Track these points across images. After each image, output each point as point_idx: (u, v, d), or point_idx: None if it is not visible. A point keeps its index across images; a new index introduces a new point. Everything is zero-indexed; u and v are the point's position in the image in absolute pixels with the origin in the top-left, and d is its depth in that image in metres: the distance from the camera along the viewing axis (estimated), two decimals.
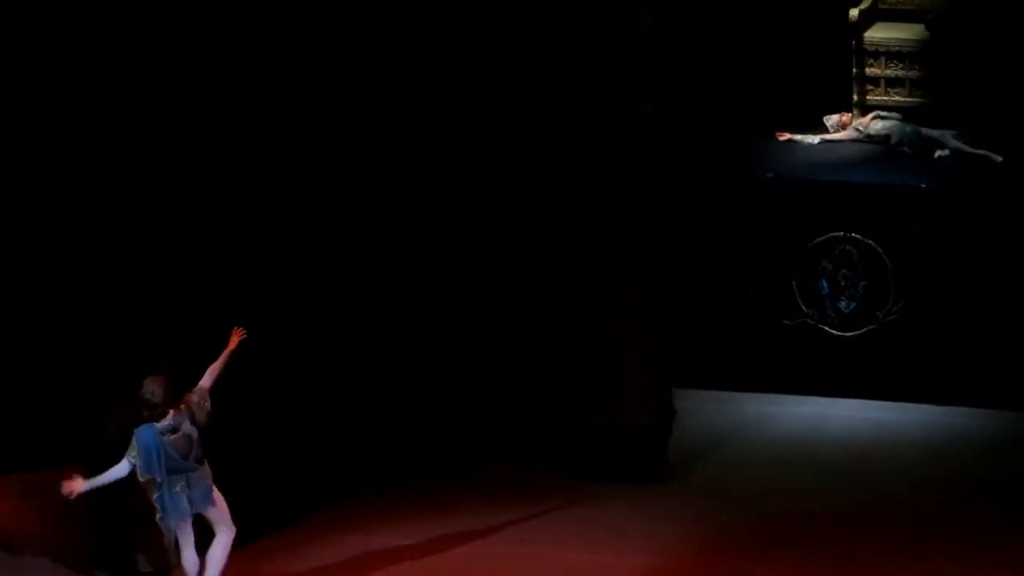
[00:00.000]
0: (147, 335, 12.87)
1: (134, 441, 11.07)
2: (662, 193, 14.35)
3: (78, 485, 11.07)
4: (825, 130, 15.07)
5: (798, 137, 14.97)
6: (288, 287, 13.98)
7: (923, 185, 14.41)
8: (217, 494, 11.29)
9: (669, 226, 14.39)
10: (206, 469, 11.23)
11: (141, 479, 11.14)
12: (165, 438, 11.02)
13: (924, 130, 14.89)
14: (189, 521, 11.27)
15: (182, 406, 11.09)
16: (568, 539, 13.15)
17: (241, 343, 11.35)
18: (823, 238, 14.52)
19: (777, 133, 14.94)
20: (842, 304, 14.60)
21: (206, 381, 11.21)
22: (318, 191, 14.02)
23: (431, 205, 14.54)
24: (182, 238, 13.29)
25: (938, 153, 14.72)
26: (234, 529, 11.40)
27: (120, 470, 11.08)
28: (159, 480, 11.09)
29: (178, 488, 11.10)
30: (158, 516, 11.26)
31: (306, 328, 14.25)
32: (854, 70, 15.23)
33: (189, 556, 11.39)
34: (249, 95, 13.38)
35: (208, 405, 11.14)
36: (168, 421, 11.03)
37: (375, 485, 14.01)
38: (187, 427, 11.08)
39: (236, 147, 13.41)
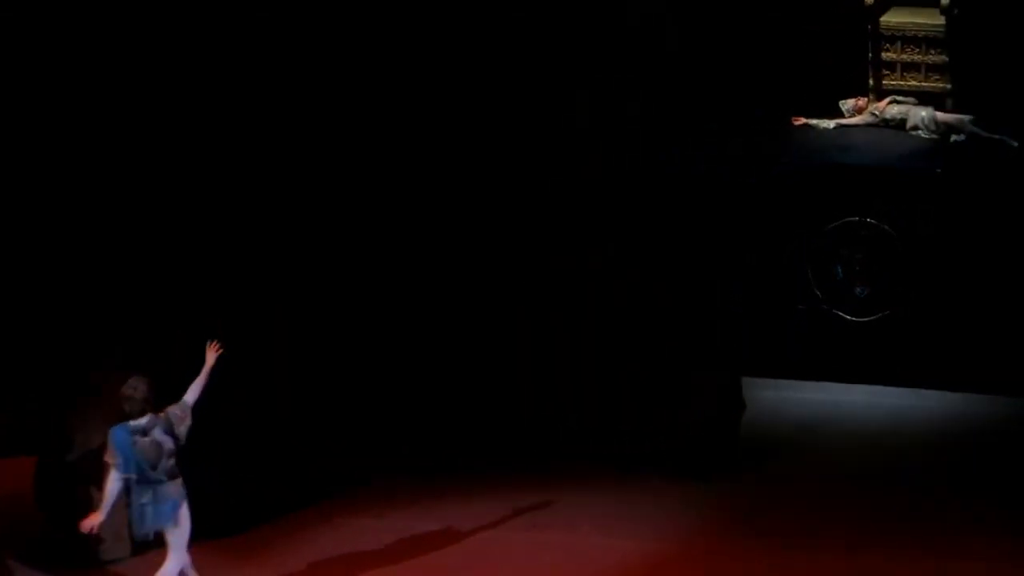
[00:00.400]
0: (146, 336, 12.86)
1: (110, 443, 11.10)
2: (662, 193, 14.36)
3: (96, 519, 11.09)
4: (841, 115, 15.08)
5: (813, 122, 14.97)
6: (289, 290, 13.94)
7: (939, 170, 14.41)
8: (183, 515, 11.19)
9: (669, 226, 14.41)
10: (177, 487, 11.14)
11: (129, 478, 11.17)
12: (135, 438, 11.01)
13: (940, 115, 14.89)
14: (164, 530, 11.24)
15: (161, 414, 11.07)
16: (583, 526, 13.24)
17: (219, 358, 11.34)
18: (838, 223, 14.52)
19: (792, 118, 14.95)
20: (857, 290, 14.61)
21: (189, 396, 11.20)
22: (318, 192, 13.99)
23: (431, 204, 14.53)
24: (182, 239, 13.27)
25: (954, 138, 14.73)
26: (187, 557, 11.31)
27: (116, 480, 11.09)
28: (130, 483, 11.08)
29: (145, 499, 11.07)
30: (130, 522, 11.27)
31: (313, 327, 14.20)
32: (870, 55, 15.22)
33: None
34: (249, 95, 13.36)
35: (189, 421, 11.13)
36: (142, 421, 11.02)
37: (389, 475, 14.15)
38: (159, 434, 11.05)
39: (236, 147, 13.39)
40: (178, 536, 11.22)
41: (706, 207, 14.39)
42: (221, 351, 11.34)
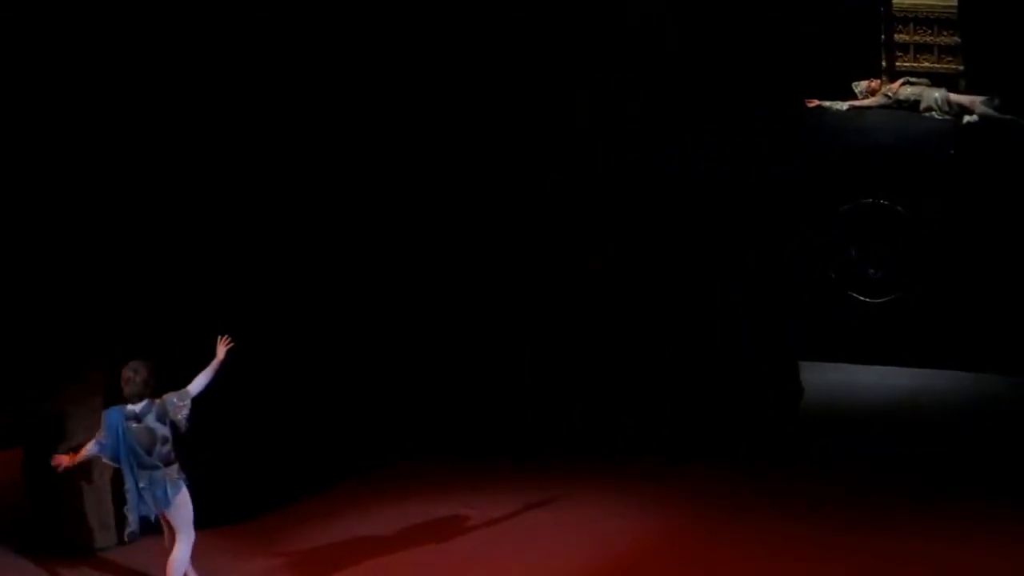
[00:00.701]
0: (146, 334, 12.86)
1: (102, 422, 11.23)
2: (662, 193, 14.38)
3: (64, 460, 11.28)
4: (854, 97, 15.12)
5: (827, 104, 15.02)
6: (294, 292, 13.94)
7: (952, 151, 14.45)
8: (182, 499, 11.25)
9: (669, 226, 14.43)
10: (173, 472, 11.20)
11: (106, 461, 11.31)
12: (129, 424, 11.10)
13: (953, 96, 14.97)
14: (164, 516, 11.31)
15: (157, 401, 11.15)
16: (596, 510, 13.27)
17: (229, 352, 11.40)
18: (852, 205, 14.54)
19: (806, 100, 14.98)
20: (871, 271, 14.64)
21: (193, 387, 11.24)
22: (319, 192, 13.99)
23: (432, 204, 14.53)
24: (182, 238, 13.28)
25: (967, 119, 14.79)
26: (193, 536, 11.38)
27: (91, 450, 11.23)
28: (123, 469, 11.19)
29: (141, 483, 11.16)
30: (125, 507, 11.35)
31: (319, 330, 14.22)
32: (882, 36, 15.25)
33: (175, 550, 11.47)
34: (249, 95, 13.35)
35: (187, 411, 11.17)
36: (137, 407, 11.12)
37: (396, 467, 14.25)
38: (152, 421, 11.13)
39: (236, 147, 13.38)
40: (181, 521, 11.31)
41: (706, 207, 14.40)
42: (231, 345, 11.40)
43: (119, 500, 11.69)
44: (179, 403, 11.15)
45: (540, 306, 14.75)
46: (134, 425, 11.11)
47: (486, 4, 14.21)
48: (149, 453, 11.12)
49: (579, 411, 14.70)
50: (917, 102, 15.03)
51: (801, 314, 14.57)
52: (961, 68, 15.21)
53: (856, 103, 15.05)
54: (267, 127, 13.51)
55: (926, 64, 15.37)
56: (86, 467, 11.97)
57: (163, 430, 11.12)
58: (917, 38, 15.32)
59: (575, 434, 14.60)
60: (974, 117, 14.74)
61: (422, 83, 14.27)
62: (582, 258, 14.53)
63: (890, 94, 15.13)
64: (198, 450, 11.64)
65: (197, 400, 11.26)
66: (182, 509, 11.27)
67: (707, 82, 14.36)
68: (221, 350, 11.37)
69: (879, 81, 15.23)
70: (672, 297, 14.52)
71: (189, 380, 11.35)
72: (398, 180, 14.37)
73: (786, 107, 14.73)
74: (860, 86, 15.20)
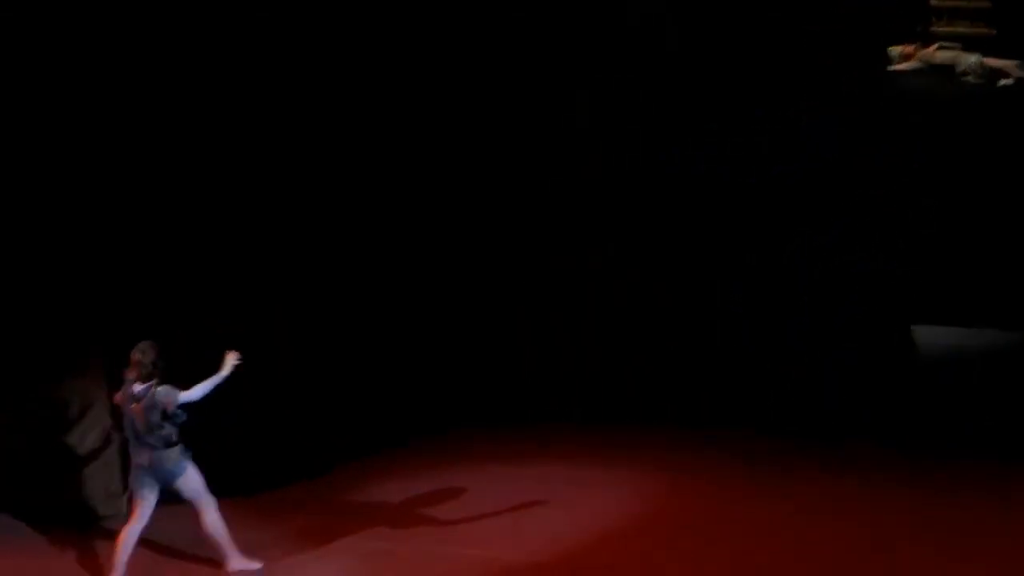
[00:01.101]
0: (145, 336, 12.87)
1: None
2: (662, 193, 14.38)
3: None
4: (889, 61, 15.17)
5: None
6: (294, 296, 13.94)
7: (987, 115, 14.51)
8: (185, 479, 11.39)
9: (669, 226, 14.44)
10: (173, 453, 11.31)
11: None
12: (131, 404, 11.30)
13: (987, 60, 15.01)
14: (153, 494, 11.44)
15: (151, 391, 11.22)
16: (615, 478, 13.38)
17: (236, 367, 11.42)
18: (890, 168, 14.59)
19: None
20: (915, 233, 14.71)
21: (185, 395, 11.29)
22: (319, 192, 13.99)
23: (432, 205, 14.53)
24: (182, 240, 13.29)
25: (1002, 82, 14.85)
26: (212, 499, 11.52)
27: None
28: (128, 438, 11.43)
29: (143, 460, 11.31)
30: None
31: (320, 335, 14.22)
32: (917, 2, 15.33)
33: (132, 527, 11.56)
34: (249, 95, 13.36)
35: (172, 410, 11.28)
36: (136, 389, 11.28)
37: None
38: (146, 405, 11.27)
39: (234, 142, 13.39)
40: (193, 494, 11.47)
41: (706, 207, 14.40)
42: (240, 363, 11.40)
43: (127, 471, 11.83)
44: (165, 398, 11.24)
45: (540, 306, 14.76)
46: (131, 405, 11.22)
47: (486, 4, 14.21)
48: (150, 432, 11.22)
49: (579, 411, 14.72)
50: (952, 66, 15.09)
51: (801, 314, 14.58)
52: (994, 32, 15.25)
53: (891, 68, 15.11)
54: (268, 125, 13.52)
55: (961, 29, 15.41)
56: (94, 438, 12.31)
57: (154, 417, 11.21)
58: (951, 3, 15.38)
59: (576, 433, 14.62)
60: (1009, 80, 14.82)
61: (422, 83, 14.27)
62: (582, 258, 14.54)
63: (925, 58, 15.19)
64: (220, 418, 11.88)
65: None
66: (190, 485, 11.43)
67: (707, 82, 14.37)
68: (228, 365, 11.38)
69: (914, 46, 15.28)
70: (672, 297, 14.53)
71: (189, 377, 11.39)
72: (399, 179, 14.37)
73: (786, 107, 14.72)
74: (895, 51, 15.26)
